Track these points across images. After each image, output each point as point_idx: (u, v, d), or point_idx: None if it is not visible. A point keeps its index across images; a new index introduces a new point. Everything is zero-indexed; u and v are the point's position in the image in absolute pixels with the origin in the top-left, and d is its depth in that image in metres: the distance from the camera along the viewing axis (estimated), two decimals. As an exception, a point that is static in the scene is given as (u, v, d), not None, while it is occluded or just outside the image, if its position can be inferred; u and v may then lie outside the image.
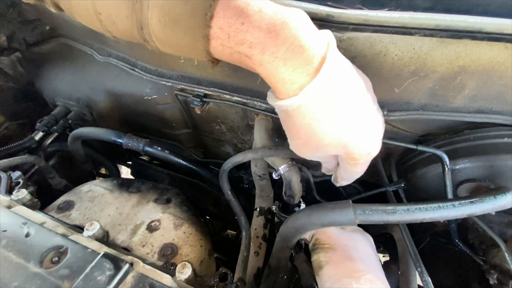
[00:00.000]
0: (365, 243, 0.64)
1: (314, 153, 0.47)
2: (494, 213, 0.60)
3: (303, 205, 0.78)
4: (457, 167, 0.60)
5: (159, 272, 0.50)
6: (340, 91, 0.38)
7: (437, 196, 0.67)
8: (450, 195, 0.60)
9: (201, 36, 0.35)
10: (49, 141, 1.04)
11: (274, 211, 0.81)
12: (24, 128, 1.21)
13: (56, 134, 1.05)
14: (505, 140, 0.56)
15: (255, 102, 0.70)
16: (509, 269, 0.57)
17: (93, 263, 0.47)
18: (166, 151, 0.86)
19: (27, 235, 0.53)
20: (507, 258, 0.56)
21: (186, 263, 0.63)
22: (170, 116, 1.00)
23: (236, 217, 0.79)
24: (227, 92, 0.71)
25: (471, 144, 0.60)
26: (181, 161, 0.88)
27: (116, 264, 0.48)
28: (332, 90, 0.37)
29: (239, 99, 0.71)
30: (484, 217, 0.63)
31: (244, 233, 0.76)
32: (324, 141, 0.41)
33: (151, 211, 0.92)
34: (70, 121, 1.09)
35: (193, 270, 0.69)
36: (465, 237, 0.70)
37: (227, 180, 0.79)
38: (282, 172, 0.72)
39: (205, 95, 0.78)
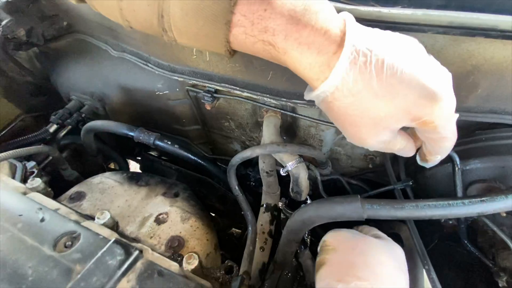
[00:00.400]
0: (385, 253, 0.54)
1: (377, 135, 0.40)
2: (504, 215, 0.59)
3: (309, 201, 0.78)
4: (468, 167, 0.60)
5: (167, 260, 0.51)
6: (373, 56, 0.35)
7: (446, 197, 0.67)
8: (460, 196, 0.59)
9: (223, 22, 0.35)
10: (63, 133, 1.07)
11: (281, 207, 0.81)
12: (39, 121, 1.24)
13: (69, 127, 1.08)
14: (518, 141, 0.56)
15: (265, 98, 0.70)
16: (520, 272, 0.56)
17: (104, 248, 0.49)
18: (176, 145, 0.87)
19: (42, 220, 0.55)
20: (518, 261, 0.55)
21: (194, 254, 0.64)
22: (180, 112, 1.01)
23: (242, 213, 0.80)
24: (238, 88, 0.72)
25: (483, 144, 0.60)
26: (190, 155, 0.89)
27: (127, 250, 0.49)
28: (363, 58, 0.34)
29: (249, 95, 0.72)
30: (494, 220, 0.62)
31: (250, 228, 0.76)
32: (380, 113, 0.37)
33: (159, 204, 0.93)
34: (83, 115, 1.12)
35: (200, 261, 0.70)
36: (474, 239, 0.69)
37: (235, 175, 0.80)
38: (290, 168, 0.72)
39: (216, 91, 0.79)
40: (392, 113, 0.37)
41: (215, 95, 0.79)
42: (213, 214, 1.35)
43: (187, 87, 0.86)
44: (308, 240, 0.75)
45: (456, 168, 0.59)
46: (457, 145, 0.63)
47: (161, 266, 0.49)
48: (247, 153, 0.72)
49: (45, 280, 0.45)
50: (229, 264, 0.69)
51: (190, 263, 0.61)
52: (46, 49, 1.17)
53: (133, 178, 1.02)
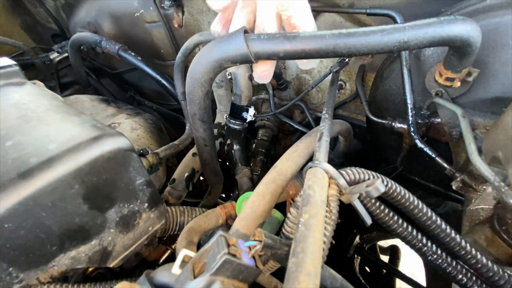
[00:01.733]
0: None
1: None
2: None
3: (251, 109, 0.71)
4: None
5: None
6: None
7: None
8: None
9: None
10: (59, 58, 1.16)
11: (224, 118, 0.75)
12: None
13: (66, 54, 1.17)
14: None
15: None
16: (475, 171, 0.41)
17: None
18: (138, 58, 0.88)
19: None
20: (475, 157, 0.41)
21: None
22: (157, 39, 1.03)
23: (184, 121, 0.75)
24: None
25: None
26: (150, 71, 0.89)
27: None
28: None
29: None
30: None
31: (186, 130, 0.71)
32: None
33: (119, 118, 0.94)
34: (82, 47, 1.21)
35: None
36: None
37: (182, 78, 0.77)
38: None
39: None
40: None
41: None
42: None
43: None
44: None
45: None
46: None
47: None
48: (185, 44, 0.69)
49: None
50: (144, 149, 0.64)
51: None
52: None
53: (106, 100, 1.06)
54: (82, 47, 1.21)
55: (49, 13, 1.45)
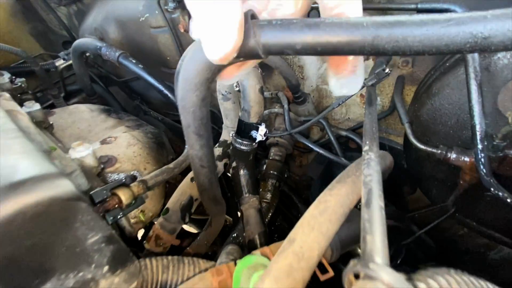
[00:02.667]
0: None
1: None
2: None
3: (262, 127, 0.59)
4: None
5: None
6: None
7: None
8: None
9: None
10: (64, 65, 1.11)
11: (230, 136, 0.64)
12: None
13: (71, 61, 1.12)
14: None
15: None
16: None
17: None
18: (140, 66, 0.79)
19: None
20: None
21: (86, 144, 0.51)
22: (163, 46, 0.95)
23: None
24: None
25: None
26: (151, 79, 0.80)
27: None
28: None
29: None
30: None
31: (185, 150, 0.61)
32: None
33: (117, 131, 0.85)
34: (87, 54, 1.15)
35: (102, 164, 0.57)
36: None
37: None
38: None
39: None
40: None
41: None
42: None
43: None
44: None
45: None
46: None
47: None
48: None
49: None
50: (134, 175, 0.54)
51: (77, 150, 0.49)
52: (83, 6, 1.27)
53: (107, 111, 0.98)
54: (88, 54, 1.16)
55: (59, 20, 1.42)
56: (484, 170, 0.38)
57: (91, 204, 0.27)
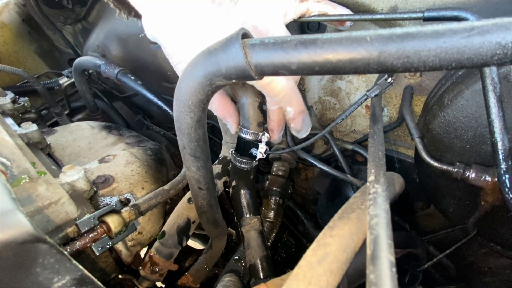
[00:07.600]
0: None
1: None
2: None
3: (262, 145, 0.56)
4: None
5: None
6: None
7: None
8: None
9: None
10: (68, 83, 1.11)
11: (230, 153, 0.61)
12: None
13: (73, 79, 1.12)
14: None
15: None
16: None
17: None
18: (138, 82, 0.78)
19: None
20: None
21: (78, 167, 0.49)
22: (163, 61, 0.94)
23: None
24: None
25: None
26: (150, 95, 0.79)
27: None
28: None
29: None
30: None
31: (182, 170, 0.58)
32: None
33: (116, 149, 0.83)
34: (90, 71, 1.16)
35: (96, 186, 0.54)
36: None
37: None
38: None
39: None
40: None
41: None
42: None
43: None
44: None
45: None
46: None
47: None
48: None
49: None
50: (127, 198, 0.51)
51: (67, 174, 0.46)
52: (88, 24, 1.29)
53: (108, 127, 0.97)
54: (90, 70, 1.17)
55: (64, 39, 1.44)
56: (510, 194, 0.33)
57: (54, 245, 0.24)
